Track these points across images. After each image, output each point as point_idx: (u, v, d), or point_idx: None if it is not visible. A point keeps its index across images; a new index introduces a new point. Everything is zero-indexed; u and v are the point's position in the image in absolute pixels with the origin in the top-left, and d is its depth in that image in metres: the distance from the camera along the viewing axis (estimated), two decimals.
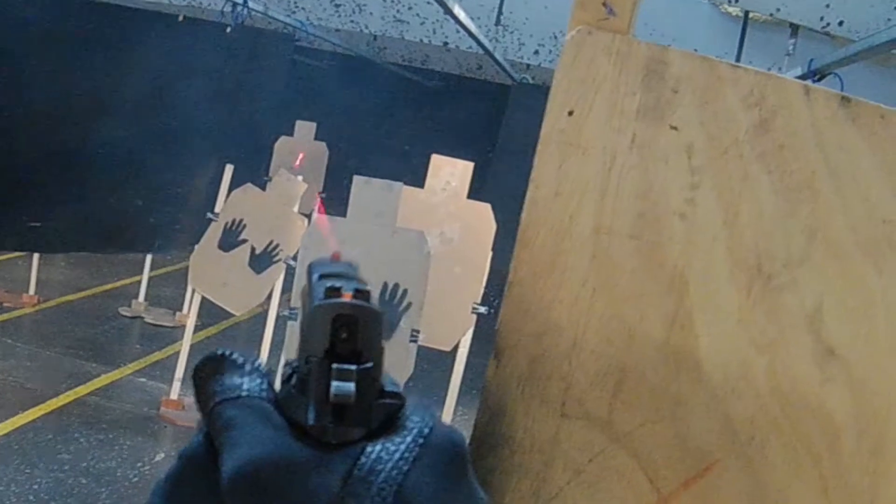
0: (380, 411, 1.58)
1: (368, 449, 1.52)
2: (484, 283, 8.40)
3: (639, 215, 1.93)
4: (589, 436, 1.96)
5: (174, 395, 9.00)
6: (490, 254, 8.31)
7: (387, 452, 1.53)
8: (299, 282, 6.55)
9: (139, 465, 7.82)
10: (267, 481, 1.48)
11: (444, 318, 7.81)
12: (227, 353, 1.65)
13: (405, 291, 6.86)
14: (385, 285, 6.84)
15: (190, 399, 9.19)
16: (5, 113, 9.25)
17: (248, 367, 1.66)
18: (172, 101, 10.87)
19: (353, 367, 1.51)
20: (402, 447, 1.55)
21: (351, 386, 1.50)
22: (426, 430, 1.61)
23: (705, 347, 1.91)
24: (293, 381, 1.58)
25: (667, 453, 1.93)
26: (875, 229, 1.84)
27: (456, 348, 8.11)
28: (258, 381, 1.65)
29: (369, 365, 1.52)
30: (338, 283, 1.54)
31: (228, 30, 10.61)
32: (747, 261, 1.89)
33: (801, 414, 1.88)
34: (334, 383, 1.50)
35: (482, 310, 8.19)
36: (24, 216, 9.92)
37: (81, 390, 9.20)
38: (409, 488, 1.54)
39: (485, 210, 8.32)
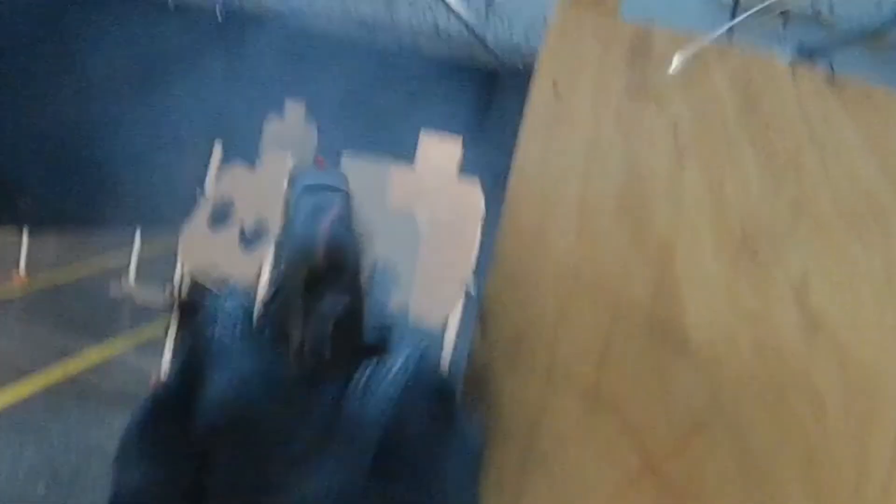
0: (369, 335, 1.61)
1: (364, 364, 1.55)
2: (474, 263, 8.40)
3: (624, 190, 1.97)
4: (575, 403, 2.00)
5: (163, 374, 9.01)
6: (479, 232, 8.32)
7: (384, 367, 1.57)
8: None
9: None
10: (259, 399, 1.51)
11: (433, 296, 7.81)
12: (209, 286, 1.70)
13: (394, 270, 6.87)
14: (374, 264, 6.85)
15: None
16: None
17: (226, 291, 1.70)
18: (163, 81, 10.86)
19: (343, 293, 1.54)
20: (395, 367, 1.58)
21: (339, 307, 1.52)
22: (417, 354, 1.65)
23: (692, 318, 1.95)
24: (276, 303, 1.60)
25: (652, 420, 1.97)
26: (859, 202, 1.88)
27: (444, 327, 8.10)
28: (239, 300, 1.69)
29: (355, 287, 1.55)
30: (320, 204, 1.55)
31: (218, 12, 10.58)
32: (733, 235, 1.93)
33: (787, 384, 1.92)
34: (325, 301, 1.53)
35: (472, 289, 8.18)
36: (14, 193, 9.91)
37: (72, 367, 9.19)
38: (405, 404, 1.58)
39: (474, 190, 8.32)
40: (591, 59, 1.94)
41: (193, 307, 1.68)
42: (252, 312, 1.59)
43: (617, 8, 1.95)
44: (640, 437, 1.97)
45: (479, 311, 1.99)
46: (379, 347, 1.55)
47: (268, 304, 1.58)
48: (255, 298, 1.62)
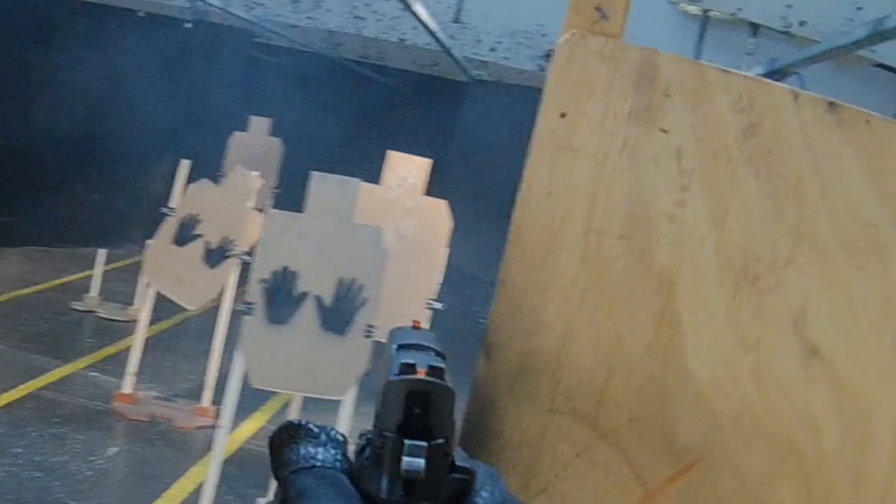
0: (450, 486, 1.63)
1: None
2: (440, 280, 8.40)
3: (629, 217, 1.97)
4: (577, 431, 2.00)
5: (127, 390, 8.96)
6: (446, 250, 8.32)
7: None
8: (256, 274, 6.56)
9: (92, 459, 7.78)
10: None
11: (400, 313, 7.82)
12: (304, 422, 1.70)
13: (361, 286, 6.87)
14: (341, 280, 6.85)
15: (142, 393, 9.16)
16: None
17: (323, 437, 1.71)
18: (130, 96, 10.83)
19: (425, 443, 1.57)
20: None
21: (422, 462, 1.56)
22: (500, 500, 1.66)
23: (692, 347, 1.95)
24: (366, 453, 1.64)
25: (653, 449, 1.97)
26: (859, 232, 1.89)
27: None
28: (333, 451, 1.71)
29: (441, 441, 1.57)
30: (413, 359, 1.59)
31: (188, 25, 10.58)
32: (734, 262, 1.94)
33: (785, 412, 1.93)
34: (406, 458, 1.56)
35: (438, 306, 8.20)
36: None
37: (34, 384, 9.14)
38: None
39: (441, 206, 8.33)
40: (598, 81, 1.95)
41: (283, 450, 1.68)
42: (342, 462, 1.63)
43: (622, 28, 1.95)
44: (640, 467, 1.97)
45: (484, 341, 1.98)
46: (456, 498, 1.59)
47: (360, 453, 1.62)
48: (345, 445, 1.66)
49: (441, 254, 8.39)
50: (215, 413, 8.61)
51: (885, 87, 8.56)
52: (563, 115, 1.98)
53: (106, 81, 10.87)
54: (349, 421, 6.52)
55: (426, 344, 1.64)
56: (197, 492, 7.29)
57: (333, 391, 6.74)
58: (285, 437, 1.66)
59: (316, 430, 1.67)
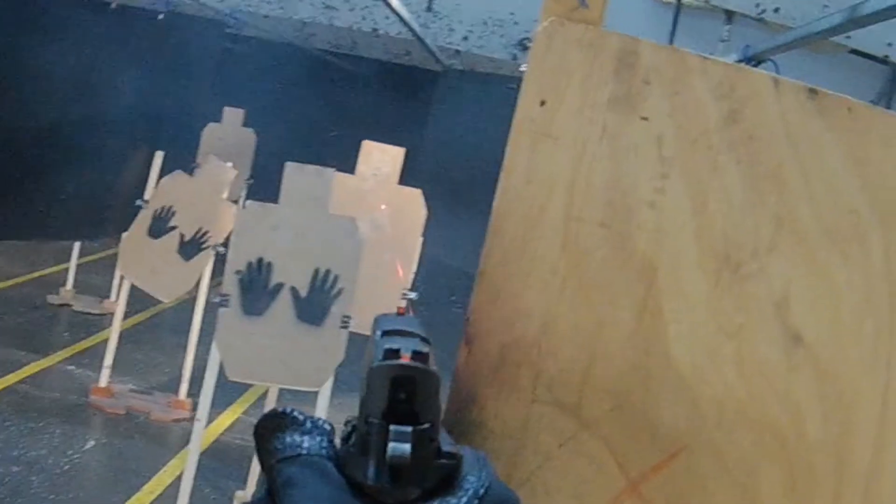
0: (436, 471, 1.62)
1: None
2: (414, 270, 8.39)
3: (608, 204, 1.96)
4: (559, 421, 1.99)
5: (103, 383, 8.91)
6: (421, 240, 8.31)
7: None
8: (231, 265, 6.53)
9: (70, 452, 7.75)
10: None
11: (375, 304, 7.81)
12: (289, 410, 1.69)
13: (336, 277, 6.84)
14: (317, 271, 6.82)
15: (119, 386, 9.11)
16: None
17: (308, 425, 1.70)
18: (103, 87, 10.77)
19: (410, 428, 1.56)
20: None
21: (407, 447, 1.55)
22: (481, 491, 1.65)
23: (674, 334, 1.95)
24: (352, 439, 1.63)
25: (636, 438, 1.97)
26: (841, 218, 1.89)
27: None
28: (318, 438, 1.69)
29: (426, 425, 1.57)
30: (397, 344, 1.58)
31: (161, 17, 10.51)
32: (716, 249, 1.93)
33: (768, 399, 1.92)
34: (391, 444, 1.55)
35: (412, 296, 8.19)
36: None
37: (10, 378, 9.09)
38: None
39: (416, 196, 8.31)
40: (578, 69, 1.93)
41: (269, 439, 1.67)
42: (329, 450, 1.62)
43: (602, 16, 1.94)
44: (623, 456, 1.96)
45: (465, 331, 1.97)
46: (442, 483, 1.58)
47: (346, 440, 1.61)
48: (332, 433, 1.65)
49: (416, 243, 8.38)
50: (192, 406, 8.57)
51: (861, 74, 8.58)
52: (542, 103, 1.97)
53: (78, 73, 10.80)
54: (326, 412, 6.49)
55: (410, 330, 1.63)
56: (175, 485, 7.26)
57: (310, 382, 6.72)
58: (271, 426, 1.65)
59: (301, 418, 1.66)
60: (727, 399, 1.93)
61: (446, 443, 1.59)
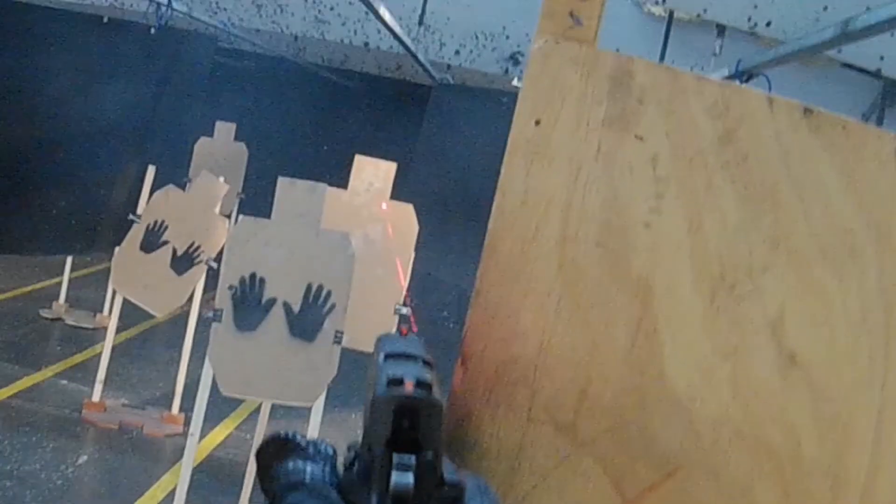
0: (439, 501, 1.62)
1: None
2: (406, 285, 8.39)
3: (604, 224, 1.96)
4: (555, 441, 1.99)
5: (96, 398, 8.91)
6: (413, 255, 8.31)
7: None
8: (224, 280, 6.51)
9: (63, 467, 7.74)
10: None
11: (367, 319, 7.80)
12: (291, 435, 1.68)
13: (329, 293, 6.84)
14: (309, 286, 6.82)
15: (112, 401, 9.10)
16: None
17: (311, 451, 1.69)
18: (95, 102, 10.77)
19: (413, 457, 1.55)
20: None
21: (410, 477, 1.54)
22: None
23: (670, 354, 1.94)
24: (356, 467, 1.62)
25: (631, 458, 1.96)
26: (836, 238, 1.88)
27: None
28: (321, 464, 1.69)
29: (429, 455, 1.56)
30: (400, 372, 1.57)
31: (153, 31, 10.51)
32: (711, 269, 1.93)
33: (763, 419, 1.92)
34: (394, 474, 1.54)
35: (404, 311, 8.18)
36: None
37: (3, 393, 9.09)
38: None
39: (408, 211, 8.31)
40: (572, 88, 1.93)
41: (272, 464, 1.66)
42: (332, 476, 1.62)
43: (596, 34, 1.94)
44: (619, 477, 1.95)
45: (461, 350, 1.97)
46: None
47: (349, 466, 1.60)
48: (335, 457, 1.65)
49: (408, 258, 8.38)
50: (185, 420, 8.57)
51: (853, 88, 8.58)
52: (537, 123, 1.97)
53: (70, 87, 10.79)
54: (318, 428, 6.49)
55: (413, 353, 1.62)
56: (168, 500, 7.25)
57: (303, 398, 6.71)
58: (273, 451, 1.65)
59: (304, 443, 1.65)
60: (722, 419, 1.93)
61: (449, 471, 1.59)
